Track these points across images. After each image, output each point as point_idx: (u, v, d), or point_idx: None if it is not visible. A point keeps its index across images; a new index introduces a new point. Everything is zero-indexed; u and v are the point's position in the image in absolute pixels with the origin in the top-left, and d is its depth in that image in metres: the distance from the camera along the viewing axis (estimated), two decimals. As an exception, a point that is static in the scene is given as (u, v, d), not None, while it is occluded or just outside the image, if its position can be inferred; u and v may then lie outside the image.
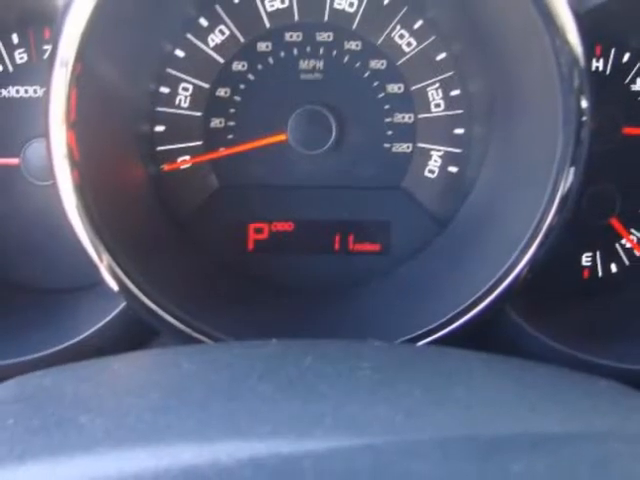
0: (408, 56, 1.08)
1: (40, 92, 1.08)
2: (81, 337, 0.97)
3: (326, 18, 1.07)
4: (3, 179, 1.10)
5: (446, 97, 1.09)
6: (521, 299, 0.97)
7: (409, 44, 1.08)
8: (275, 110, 1.08)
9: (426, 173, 1.11)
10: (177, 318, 0.94)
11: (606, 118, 1.08)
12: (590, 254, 1.16)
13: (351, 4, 1.07)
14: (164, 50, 1.06)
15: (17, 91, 1.09)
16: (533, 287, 0.95)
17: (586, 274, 1.16)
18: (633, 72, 1.12)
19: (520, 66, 0.96)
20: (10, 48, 1.08)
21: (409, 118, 1.10)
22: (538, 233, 0.91)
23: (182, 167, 1.10)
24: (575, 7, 0.86)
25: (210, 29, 1.07)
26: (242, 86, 1.08)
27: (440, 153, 1.11)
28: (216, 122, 1.09)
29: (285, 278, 1.11)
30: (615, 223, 1.15)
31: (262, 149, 1.08)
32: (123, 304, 0.96)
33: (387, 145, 1.10)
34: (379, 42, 1.08)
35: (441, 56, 1.08)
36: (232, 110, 1.09)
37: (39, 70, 1.06)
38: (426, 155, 1.11)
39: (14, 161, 1.09)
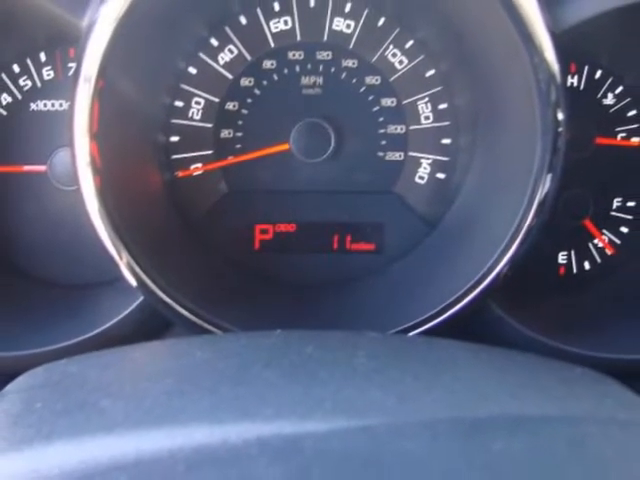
0: (400, 73, 1.08)
1: (65, 106, 1.08)
2: (102, 328, 0.97)
3: (325, 38, 1.07)
4: (32, 184, 1.10)
5: (435, 110, 1.09)
6: (503, 294, 0.97)
7: (401, 62, 1.08)
8: (279, 122, 1.08)
9: (416, 179, 1.11)
10: (190, 311, 0.94)
11: (580, 129, 1.08)
12: (565, 253, 1.16)
13: (348, 25, 1.07)
14: (178, 67, 1.06)
15: (45, 105, 1.09)
16: (514, 283, 0.95)
17: (562, 271, 1.17)
18: (604, 87, 1.12)
19: (502, 82, 0.96)
20: (38, 66, 1.08)
21: (401, 129, 1.10)
22: (518, 233, 0.91)
23: (194, 174, 1.10)
24: (552, 28, 0.86)
25: (220, 48, 1.07)
26: (249, 100, 1.08)
27: (429, 161, 1.11)
28: (225, 133, 1.09)
29: (288, 275, 1.11)
30: (588, 224, 1.15)
31: (267, 157, 1.08)
32: (141, 298, 0.96)
33: (381, 154, 1.10)
34: (374, 60, 1.08)
35: (430, 73, 1.08)
36: (240, 122, 1.09)
37: (64, 86, 1.06)
38: (416, 163, 1.11)
39: (42, 168, 1.09)
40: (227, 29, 1.06)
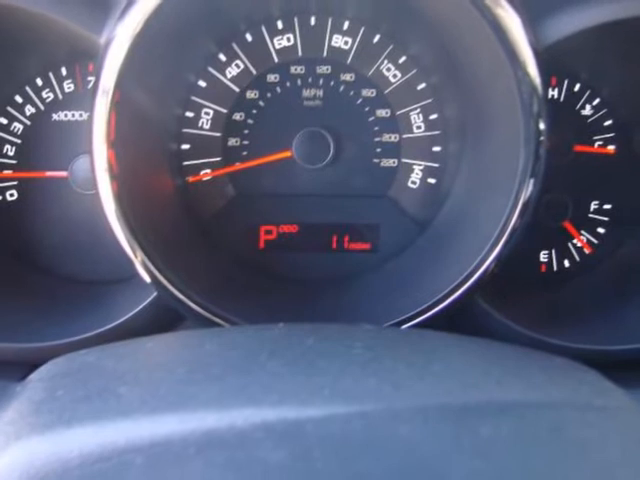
0: (394, 86, 1.08)
1: (85, 116, 1.08)
2: (119, 321, 0.97)
3: (325, 54, 1.07)
4: (54, 189, 1.10)
5: (426, 120, 1.09)
6: (489, 289, 0.97)
7: (395, 76, 1.08)
8: (282, 131, 1.08)
9: (409, 184, 1.11)
10: (200, 305, 0.94)
11: (560, 138, 1.08)
12: (547, 252, 1.16)
13: (346, 42, 1.07)
14: (189, 81, 1.06)
15: (66, 115, 1.09)
16: (499, 279, 0.95)
17: (543, 268, 1.16)
18: (583, 99, 1.12)
19: (488, 94, 0.96)
20: (60, 79, 1.08)
21: (395, 138, 1.10)
22: (503, 234, 0.91)
23: (204, 179, 1.10)
24: (534, 45, 0.86)
25: (228, 63, 1.07)
26: (254, 111, 1.08)
27: (421, 167, 1.11)
28: (233, 141, 1.09)
29: (291, 272, 1.11)
30: (568, 226, 1.15)
31: (271, 164, 1.09)
32: (154, 294, 0.96)
33: (376, 160, 1.10)
34: (370, 74, 1.08)
35: (422, 86, 1.08)
36: (246, 131, 1.09)
37: (84, 97, 1.06)
38: (409, 169, 1.11)
39: (63, 174, 1.09)
40: (234, 45, 1.06)
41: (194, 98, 1.07)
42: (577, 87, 1.11)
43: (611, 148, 1.13)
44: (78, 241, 1.11)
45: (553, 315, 1.07)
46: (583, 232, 1.16)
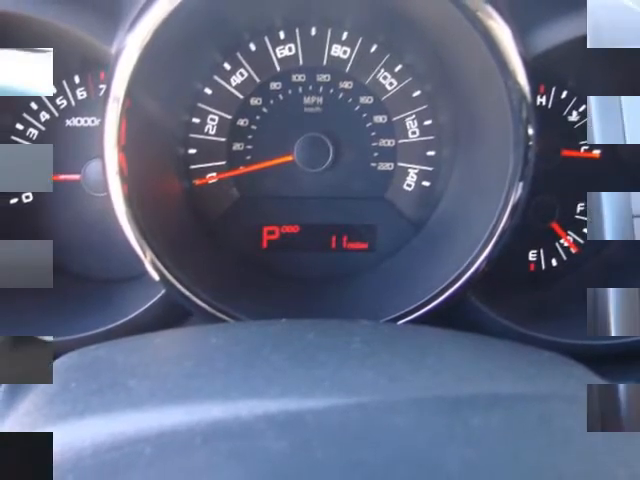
0: (390, 93, 1.08)
1: (97, 122, 1.08)
2: (129, 318, 0.97)
3: (325, 63, 1.07)
4: (67, 191, 1.10)
5: (421, 126, 1.09)
6: (481, 287, 0.97)
7: (391, 84, 1.08)
8: (284, 136, 1.08)
9: (405, 187, 1.11)
10: (206, 302, 0.94)
11: (548, 143, 1.08)
12: (535, 251, 1.16)
13: (345, 52, 1.07)
14: (196, 88, 1.06)
15: (78, 121, 1.09)
16: (490, 277, 0.95)
17: (532, 267, 1.17)
18: (570, 106, 1.12)
19: (480, 101, 0.96)
20: (73, 87, 1.08)
21: (391, 143, 1.10)
22: (494, 234, 0.91)
23: (210, 182, 1.10)
24: (524, 55, 0.86)
25: (232, 72, 1.07)
26: (258, 117, 1.08)
27: (416, 171, 1.11)
28: (237, 146, 1.09)
29: (292, 270, 1.11)
30: (555, 226, 1.15)
31: (274, 167, 1.09)
32: (162, 291, 0.96)
33: (373, 164, 1.10)
34: (367, 82, 1.08)
35: (416, 93, 1.08)
36: (250, 136, 1.09)
37: (96, 104, 1.06)
38: (405, 172, 1.11)
39: (76, 177, 1.09)
40: (238, 55, 1.06)
41: (200, 105, 1.07)
42: (564, 94, 1.11)
43: (597, 153, 1.13)
44: (90, 241, 1.11)
45: (542, 311, 1.07)
46: (570, 232, 1.16)
